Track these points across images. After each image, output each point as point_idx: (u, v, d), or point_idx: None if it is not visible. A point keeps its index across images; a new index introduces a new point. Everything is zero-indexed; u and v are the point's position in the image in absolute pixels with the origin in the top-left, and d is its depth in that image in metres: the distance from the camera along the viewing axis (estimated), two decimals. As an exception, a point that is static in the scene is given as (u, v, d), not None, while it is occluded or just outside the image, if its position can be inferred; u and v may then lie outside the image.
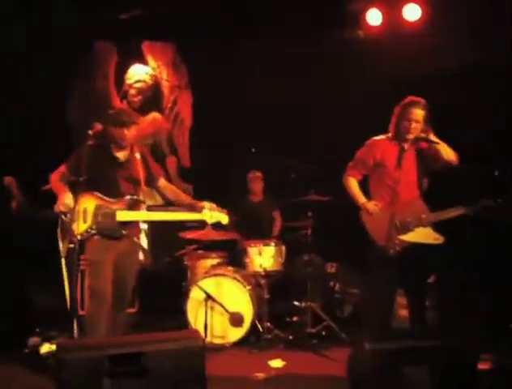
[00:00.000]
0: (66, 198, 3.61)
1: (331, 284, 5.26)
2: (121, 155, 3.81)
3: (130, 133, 3.74)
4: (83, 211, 3.67)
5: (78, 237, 3.63)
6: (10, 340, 4.40)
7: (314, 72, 5.67)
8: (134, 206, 3.77)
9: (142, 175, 3.80)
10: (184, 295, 4.76)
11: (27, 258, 4.92)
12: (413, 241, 3.57)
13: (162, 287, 5.31)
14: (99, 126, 3.79)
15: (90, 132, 3.72)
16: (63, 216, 3.64)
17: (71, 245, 3.65)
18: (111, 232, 3.70)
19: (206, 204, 3.81)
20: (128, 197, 3.73)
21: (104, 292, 3.65)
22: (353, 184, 3.81)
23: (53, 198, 3.74)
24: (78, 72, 6.05)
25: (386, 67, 5.29)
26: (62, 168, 3.80)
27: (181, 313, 4.72)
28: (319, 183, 4.73)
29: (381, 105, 3.92)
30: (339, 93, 5.49)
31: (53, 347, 4.02)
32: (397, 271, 3.56)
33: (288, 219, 5.34)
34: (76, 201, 3.66)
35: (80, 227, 3.65)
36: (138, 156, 3.83)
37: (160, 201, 6.25)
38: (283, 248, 4.94)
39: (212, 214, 3.81)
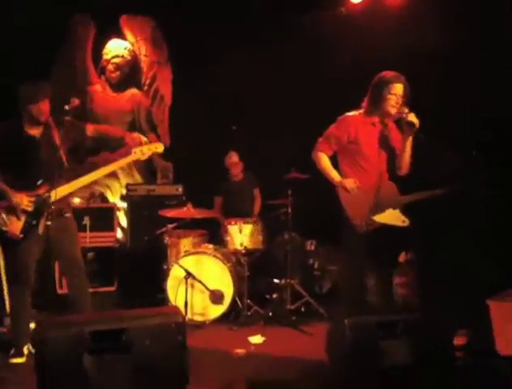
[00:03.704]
0: (24, 199, 3.53)
1: (310, 261, 5.32)
2: (36, 132, 3.66)
3: (46, 107, 3.58)
4: (11, 207, 3.56)
5: (21, 236, 3.58)
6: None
7: (292, 51, 5.63)
8: (56, 181, 3.59)
9: (65, 143, 3.66)
10: (164, 273, 4.76)
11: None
12: (383, 222, 3.53)
13: (142, 265, 5.31)
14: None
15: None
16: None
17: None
18: (48, 217, 3.59)
19: (136, 137, 3.74)
20: (48, 176, 3.57)
21: (27, 277, 3.66)
22: (325, 160, 3.69)
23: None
24: (57, 45, 5.92)
25: (365, 44, 5.27)
26: None
27: (161, 291, 4.74)
28: (299, 161, 4.71)
29: (360, 82, 3.86)
30: (318, 71, 5.47)
31: (32, 325, 4.00)
32: (368, 248, 3.53)
33: (268, 197, 5.34)
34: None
35: (17, 225, 3.56)
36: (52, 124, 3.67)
37: (139, 180, 6.22)
38: (263, 226, 4.96)
39: (143, 149, 3.73)
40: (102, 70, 6.18)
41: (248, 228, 4.84)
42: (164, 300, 4.67)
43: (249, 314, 4.68)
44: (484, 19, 4.57)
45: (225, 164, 5.57)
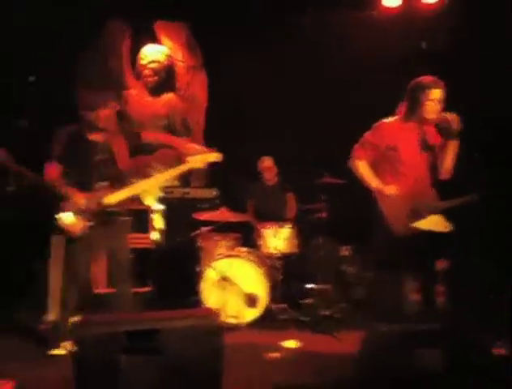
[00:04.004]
0: (83, 200, 3.66)
1: (345, 267, 5.27)
2: (96, 137, 3.79)
3: (104, 113, 3.71)
4: (72, 207, 3.68)
5: (79, 235, 3.68)
6: (25, 317, 4.51)
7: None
8: (116, 186, 3.75)
9: (124, 151, 3.80)
10: (198, 275, 4.80)
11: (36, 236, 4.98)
12: (425, 228, 3.49)
13: (176, 267, 5.36)
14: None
15: (84, 113, 3.73)
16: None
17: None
18: (106, 219, 3.73)
19: (192, 148, 3.82)
20: (105, 183, 3.72)
21: (78, 274, 3.78)
22: (363, 167, 3.67)
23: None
24: (91, 52, 6.03)
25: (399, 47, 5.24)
26: (55, 162, 3.76)
27: (195, 293, 4.77)
28: (334, 166, 4.69)
29: (394, 86, 3.83)
30: (353, 74, 5.45)
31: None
32: (408, 256, 3.51)
33: (302, 201, 5.33)
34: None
35: (77, 224, 3.67)
36: (114, 133, 3.80)
37: (175, 182, 6.28)
38: (298, 230, 4.94)
39: (198, 158, 3.78)
40: (139, 75, 6.26)
41: (283, 233, 4.84)
42: (197, 302, 4.70)
43: (282, 318, 4.67)
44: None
45: (258, 168, 5.58)
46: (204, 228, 5.03)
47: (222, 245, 4.97)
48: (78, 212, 3.67)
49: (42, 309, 4.43)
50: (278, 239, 4.82)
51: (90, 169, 3.73)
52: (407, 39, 5.29)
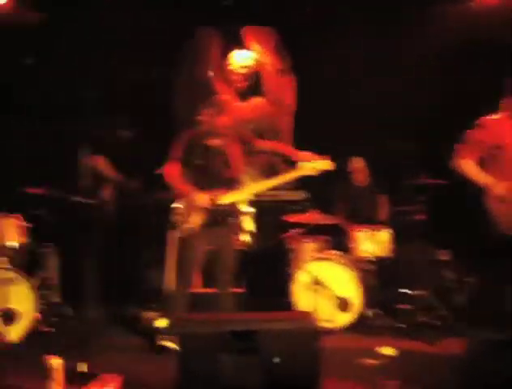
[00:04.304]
0: (202, 198, 3.84)
1: (444, 271, 5.03)
2: (215, 142, 3.96)
3: (222, 121, 3.92)
4: (190, 205, 3.86)
5: (191, 229, 3.86)
6: (127, 315, 4.72)
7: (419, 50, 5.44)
8: (231, 188, 3.94)
9: (238, 156, 3.96)
10: (289, 278, 4.78)
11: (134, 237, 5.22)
12: None
13: (267, 269, 5.39)
14: (207, 113, 3.94)
15: (198, 118, 3.88)
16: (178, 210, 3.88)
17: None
18: (221, 219, 3.92)
19: (305, 155, 3.86)
20: (224, 182, 3.91)
21: (188, 273, 3.94)
22: (470, 165, 3.51)
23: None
24: (181, 59, 6.19)
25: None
26: (175, 163, 3.96)
27: (285, 295, 4.75)
28: (432, 165, 4.50)
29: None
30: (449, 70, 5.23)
31: (167, 322, 4.24)
32: None
33: (397, 203, 5.15)
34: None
35: (194, 221, 3.87)
36: (231, 138, 3.97)
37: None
38: (393, 233, 4.79)
39: (310, 165, 3.85)
40: (228, 81, 6.37)
41: (376, 236, 4.72)
42: (288, 304, 4.69)
43: (377, 324, 4.55)
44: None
45: (349, 169, 5.47)
46: (294, 231, 5.01)
47: (312, 247, 4.93)
48: (192, 209, 3.85)
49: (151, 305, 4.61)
50: (371, 242, 4.70)
51: (207, 171, 3.92)
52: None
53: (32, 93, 5.43)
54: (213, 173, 3.93)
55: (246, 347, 2.55)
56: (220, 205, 3.89)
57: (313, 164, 3.88)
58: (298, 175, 3.94)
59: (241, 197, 3.99)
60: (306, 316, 2.87)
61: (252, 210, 5.97)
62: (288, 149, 4.34)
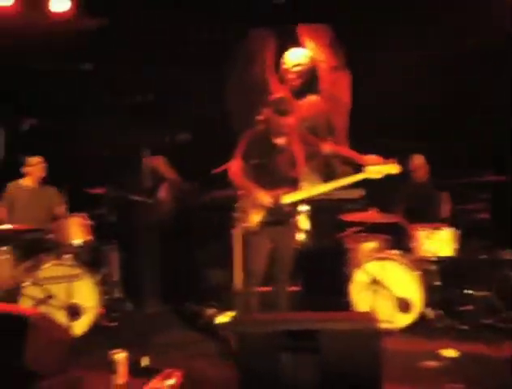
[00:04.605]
0: (265, 196, 3.85)
1: (507, 271, 4.83)
2: (280, 141, 3.95)
3: (288, 120, 3.89)
4: (252, 202, 3.88)
5: (256, 230, 3.87)
6: (188, 312, 4.80)
7: None
8: (293, 188, 3.93)
9: (302, 155, 3.94)
10: (347, 277, 4.72)
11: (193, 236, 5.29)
12: None
13: (324, 268, 5.34)
14: (266, 113, 3.92)
15: (259, 118, 3.87)
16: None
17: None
18: (281, 217, 3.90)
19: (372, 159, 3.82)
20: (287, 182, 3.90)
21: (256, 271, 3.92)
22: None
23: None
24: (235, 60, 6.22)
25: None
26: (238, 161, 4.00)
27: (342, 294, 4.69)
28: (496, 162, 4.34)
29: None
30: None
31: (227, 319, 4.28)
32: None
33: (459, 201, 4.98)
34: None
35: (255, 219, 3.88)
36: (295, 138, 3.97)
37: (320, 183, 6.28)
38: (456, 232, 4.64)
39: (376, 169, 3.80)
40: (283, 80, 6.35)
41: (438, 235, 4.57)
42: (347, 304, 4.63)
43: (439, 325, 4.42)
44: None
45: (409, 166, 5.34)
46: (352, 230, 4.94)
47: (371, 247, 4.84)
48: (255, 207, 3.87)
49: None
50: (433, 241, 4.56)
51: (270, 170, 3.92)
52: None
53: (93, 97, 5.62)
54: (277, 172, 3.94)
55: (307, 347, 2.53)
56: (282, 204, 3.89)
57: (380, 168, 3.83)
58: (362, 178, 3.90)
59: (303, 197, 3.98)
60: (368, 316, 2.82)
61: (307, 208, 5.96)
62: (353, 153, 4.29)
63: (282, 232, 3.98)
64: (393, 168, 3.83)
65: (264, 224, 3.89)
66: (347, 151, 4.27)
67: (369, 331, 2.61)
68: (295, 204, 3.97)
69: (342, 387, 2.59)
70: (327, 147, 4.14)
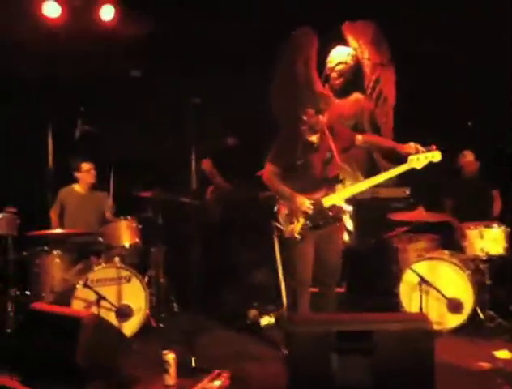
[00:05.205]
0: (305, 201, 3.72)
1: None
2: (314, 139, 3.83)
3: (323, 118, 3.76)
4: (291, 209, 3.76)
5: (298, 237, 3.74)
6: (232, 313, 4.83)
7: None
8: (333, 187, 3.79)
9: (335, 150, 3.77)
10: (395, 277, 4.64)
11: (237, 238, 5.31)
12: None
13: (370, 268, 5.27)
14: (311, 112, 3.82)
15: (304, 117, 3.79)
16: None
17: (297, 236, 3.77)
18: (324, 221, 3.77)
19: (411, 146, 3.65)
20: (325, 181, 3.75)
21: (304, 278, 3.81)
22: None
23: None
24: (280, 59, 6.22)
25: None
26: (270, 166, 3.89)
27: (390, 295, 4.61)
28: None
29: None
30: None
31: (272, 320, 4.28)
32: None
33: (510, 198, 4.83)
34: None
35: (296, 226, 3.75)
36: (328, 134, 3.80)
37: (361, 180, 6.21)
38: (507, 230, 4.49)
39: (419, 157, 3.63)
40: (327, 79, 6.31)
41: (490, 233, 4.44)
42: (396, 304, 4.55)
43: (491, 325, 4.30)
44: None
45: (458, 163, 5.21)
46: (400, 229, 4.85)
47: (419, 246, 4.75)
48: (295, 213, 3.75)
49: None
50: (485, 240, 4.42)
51: (306, 171, 3.79)
52: None
53: (141, 102, 5.73)
54: (313, 173, 3.79)
55: (359, 348, 2.50)
56: (324, 208, 3.75)
57: (423, 156, 3.66)
58: (407, 168, 3.71)
59: (345, 196, 3.83)
60: (421, 317, 2.77)
61: (350, 208, 5.89)
62: (392, 142, 4.06)
63: (327, 236, 3.84)
64: (436, 155, 3.66)
65: (307, 230, 3.75)
66: (383, 140, 4.06)
67: (422, 332, 2.56)
68: (336, 206, 3.81)
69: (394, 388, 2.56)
70: (361, 138, 3.95)
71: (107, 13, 5.39)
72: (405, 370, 2.54)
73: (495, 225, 4.49)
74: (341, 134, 3.92)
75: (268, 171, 3.91)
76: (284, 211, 3.81)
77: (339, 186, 3.84)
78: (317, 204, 3.73)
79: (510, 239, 4.53)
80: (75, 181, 5.09)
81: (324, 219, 3.76)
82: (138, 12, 5.34)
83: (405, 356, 2.52)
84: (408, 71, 5.80)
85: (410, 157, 3.67)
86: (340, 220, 3.88)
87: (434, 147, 3.69)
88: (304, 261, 3.81)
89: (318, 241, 3.84)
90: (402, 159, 3.78)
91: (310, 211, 3.71)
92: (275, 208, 3.88)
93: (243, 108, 5.67)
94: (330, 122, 3.88)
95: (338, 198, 3.80)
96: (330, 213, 3.78)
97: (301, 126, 3.84)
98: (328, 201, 3.76)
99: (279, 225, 3.81)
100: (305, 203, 3.71)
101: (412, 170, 5.88)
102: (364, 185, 3.91)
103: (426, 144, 3.75)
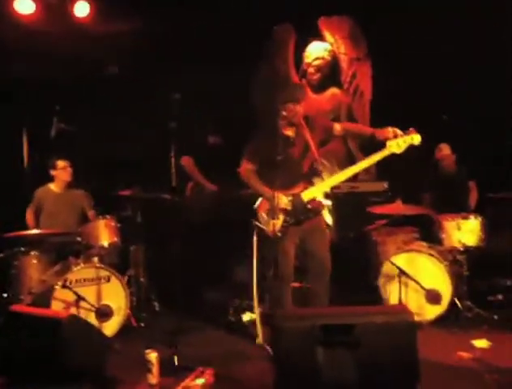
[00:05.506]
0: (284, 198, 3.67)
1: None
2: (290, 132, 3.79)
3: (298, 108, 3.70)
4: (270, 206, 3.71)
5: (279, 234, 3.69)
6: (215, 311, 4.83)
7: None
8: (311, 181, 3.75)
9: (313, 143, 3.71)
10: (375, 270, 4.69)
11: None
12: None
13: (350, 263, 5.31)
14: (291, 107, 3.77)
15: (284, 113, 3.75)
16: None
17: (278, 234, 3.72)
18: (304, 216, 3.73)
19: (389, 131, 3.58)
20: (303, 176, 3.73)
21: (287, 274, 3.78)
22: None
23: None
24: (261, 56, 6.22)
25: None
26: (246, 163, 3.86)
27: (370, 288, 4.67)
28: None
29: None
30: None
31: (254, 316, 4.28)
32: None
33: (487, 190, 4.91)
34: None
35: (276, 224, 3.69)
36: (304, 124, 3.73)
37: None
38: (483, 221, 4.57)
39: (398, 142, 3.56)
40: (303, 74, 6.33)
41: (467, 224, 4.51)
42: (376, 298, 4.60)
43: (469, 316, 4.38)
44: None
45: (435, 156, 5.27)
46: (379, 222, 4.90)
47: (398, 239, 4.80)
48: (275, 211, 3.68)
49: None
50: (462, 232, 4.49)
51: (284, 166, 3.69)
52: None
53: (118, 99, 5.66)
54: (291, 167, 3.74)
55: (344, 341, 2.52)
56: (303, 202, 3.72)
57: (402, 140, 3.60)
58: (387, 154, 3.63)
59: (324, 189, 3.80)
60: (403, 309, 2.80)
61: (329, 203, 5.92)
62: (370, 129, 3.92)
63: (311, 230, 3.81)
64: (415, 138, 3.60)
65: (288, 226, 3.71)
66: (361, 127, 3.91)
67: (405, 324, 2.59)
68: (315, 200, 3.78)
69: (380, 381, 2.58)
70: (339, 127, 3.84)
71: (82, 9, 5.31)
72: (390, 362, 2.57)
73: (472, 217, 4.56)
74: (318, 124, 3.85)
75: (245, 169, 3.87)
76: (264, 208, 3.78)
77: (317, 180, 3.80)
78: (297, 199, 3.71)
79: (487, 230, 4.62)
80: (52, 180, 5.02)
81: (304, 213, 3.73)
82: (115, 8, 5.27)
83: (389, 348, 2.55)
84: (386, 66, 5.85)
85: (388, 142, 3.61)
86: (320, 213, 3.84)
87: (413, 129, 3.62)
88: (286, 258, 3.78)
89: (303, 236, 3.81)
90: (380, 148, 3.73)
91: (289, 208, 3.68)
92: (256, 206, 3.85)
93: (227, 106, 5.66)
94: (307, 114, 3.81)
95: (317, 191, 3.77)
96: (310, 207, 3.75)
97: (280, 120, 3.78)
98: (307, 195, 3.74)
99: (258, 223, 3.77)
100: (283, 199, 3.68)
101: (390, 164, 5.97)
102: (343, 175, 3.83)
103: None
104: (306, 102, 6.36)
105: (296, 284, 4.16)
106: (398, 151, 3.60)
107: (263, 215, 3.77)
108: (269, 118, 4.16)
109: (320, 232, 3.89)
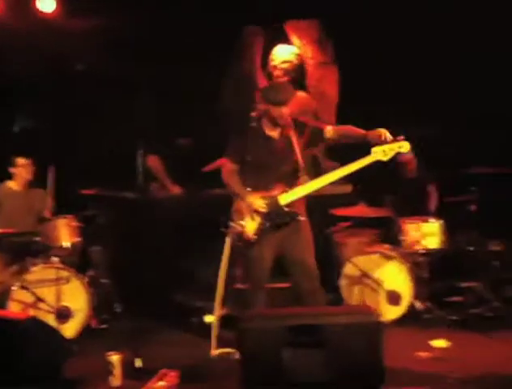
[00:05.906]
0: (258, 200, 3.54)
1: (496, 262, 4.91)
2: (274, 133, 3.65)
3: (283, 110, 3.53)
4: (246, 208, 3.58)
5: (254, 237, 3.55)
6: (179, 310, 4.79)
7: None
8: (291, 184, 3.60)
9: (297, 146, 3.55)
10: (336, 271, 4.74)
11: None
12: None
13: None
14: (260, 109, 3.74)
15: (253, 115, 3.72)
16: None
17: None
18: (281, 220, 3.57)
19: (380, 133, 3.39)
20: (283, 178, 3.58)
21: (260, 279, 3.67)
22: None
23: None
24: (230, 59, 6.20)
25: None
26: (227, 163, 3.70)
27: (332, 289, 4.68)
28: (482, 154, 4.40)
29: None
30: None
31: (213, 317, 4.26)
32: None
33: (448, 193, 5.04)
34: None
35: (251, 226, 3.57)
36: (291, 128, 3.58)
37: (306, 179, 6.29)
38: (444, 224, 4.69)
39: (385, 149, 3.36)
40: (269, 76, 6.35)
41: (426, 227, 4.62)
42: (337, 298, 4.66)
43: (428, 316, 4.48)
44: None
45: (398, 160, 5.36)
46: (341, 224, 4.97)
47: (360, 241, 4.89)
48: (250, 214, 3.58)
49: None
50: (422, 234, 4.60)
51: (264, 167, 3.60)
52: None
53: (85, 97, 5.56)
54: (272, 169, 3.60)
55: (310, 341, 2.55)
56: (280, 205, 3.55)
57: (388, 147, 3.40)
58: (372, 161, 3.45)
59: (303, 193, 3.63)
60: (368, 309, 2.85)
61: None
62: (361, 130, 3.60)
63: (291, 236, 3.63)
64: (404, 145, 3.41)
65: (264, 231, 3.55)
66: (353, 129, 3.67)
67: (372, 324, 2.63)
68: (298, 201, 3.61)
69: (346, 380, 2.61)
70: (331, 129, 3.62)
71: (48, 5, 5.18)
72: (356, 362, 2.60)
73: (432, 220, 4.68)
74: (308, 127, 3.67)
75: (227, 169, 3.71)
76: (240, 210, 3.63)
77: (297, 183, 3.63)
78: (273, 202, 3.56)
79: (447, 233, 4.75)
80: (11, 178, 4.87)
81: (280, 217, 3.57)
82: (82, 4, 5.17)
83: (355, 348, 2.59)
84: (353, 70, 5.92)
85: (373, 149, 3.43)
86: (298, 217, 3.63)
87: (402, 137, 3.45)
88: (260, 262, 3.63)
89: (283, 243, 3.64)
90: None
91: (264, 210, 3.54)
92: (233, 207, 3.70)
93: (199, 106, 5.63)
94: (294, 116, 3.66)
95: (295, 195, 3.60)
96: (287, 210, 3.57)
97: (261, 119, 3.66)
98: (285, 198, 3.57)
99: (234, 225, 3.62)
100: (257, 201, 3.55)
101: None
102: (322, 181, 3.65)
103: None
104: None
105: (284, 285, 4.13)
106: (384, 158, 3.45)
107: (239, 216, 3.62)
108: (243, 119, 4.08)
109: (303, 238, 3.70)
